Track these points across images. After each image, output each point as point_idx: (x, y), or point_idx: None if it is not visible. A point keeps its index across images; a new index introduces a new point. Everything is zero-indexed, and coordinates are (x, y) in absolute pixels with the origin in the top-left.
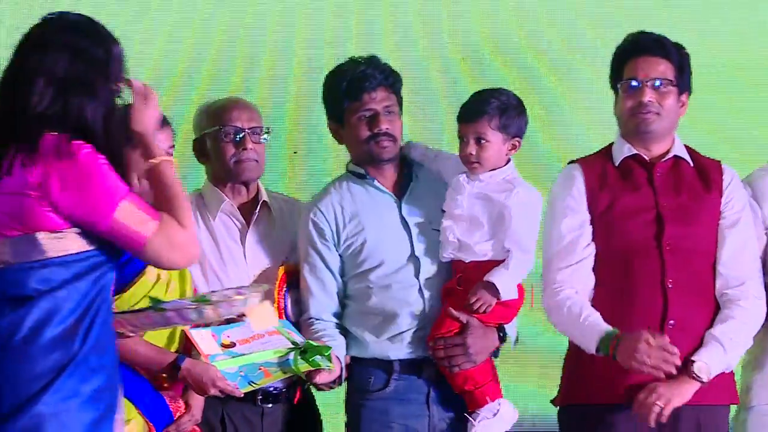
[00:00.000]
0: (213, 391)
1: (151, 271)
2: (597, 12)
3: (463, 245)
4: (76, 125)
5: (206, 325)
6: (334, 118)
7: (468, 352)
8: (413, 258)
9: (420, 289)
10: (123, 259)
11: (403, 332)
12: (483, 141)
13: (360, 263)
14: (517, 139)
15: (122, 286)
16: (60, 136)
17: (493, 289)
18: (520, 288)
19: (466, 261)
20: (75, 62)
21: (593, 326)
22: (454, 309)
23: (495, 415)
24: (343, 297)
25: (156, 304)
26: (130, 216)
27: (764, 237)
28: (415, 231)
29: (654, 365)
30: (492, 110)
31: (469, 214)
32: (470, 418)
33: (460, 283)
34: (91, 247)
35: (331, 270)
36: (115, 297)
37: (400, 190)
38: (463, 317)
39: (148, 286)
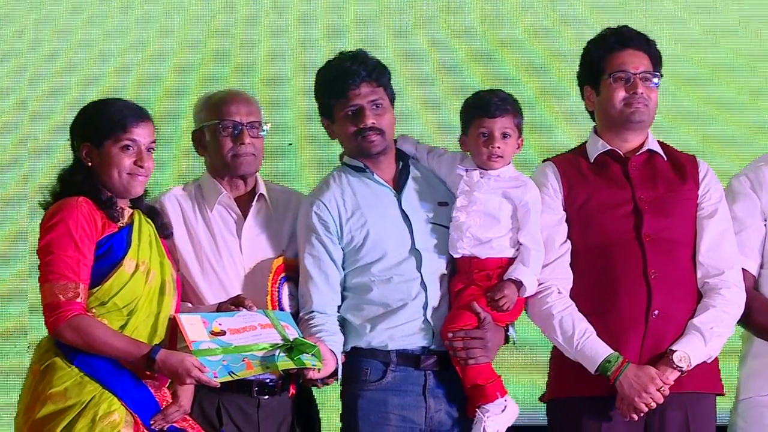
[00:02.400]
0: (189, 381)
1: (128, 263)
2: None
3: (480, 241)
4: None
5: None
6: (324, 115)
7: (486, 346)
8: (414, 251)
9: (422, 282)
10: (99, 252)
11: (403, 324)
12: (507, 136)
13: (362, 256)
14: (521, 138)
15: (99, 278)
16: None
17: (516, 287)
18: None
19: (482, 258)
20: None
21: (592, 349)
22: (467, 303)
23: (503, 411)
24: (342, 289)
25: None
26: None
27: (763, 228)
28: (415, 224)
29: (655, 404)
30: (512, 108)
31: (486, 211)
32: (479, 413)
33: (470, 280)
34: None
35: (335, 262)
36: (94, 289)
37: (397, 183)
38: (483, 313)
39: (126, 277)
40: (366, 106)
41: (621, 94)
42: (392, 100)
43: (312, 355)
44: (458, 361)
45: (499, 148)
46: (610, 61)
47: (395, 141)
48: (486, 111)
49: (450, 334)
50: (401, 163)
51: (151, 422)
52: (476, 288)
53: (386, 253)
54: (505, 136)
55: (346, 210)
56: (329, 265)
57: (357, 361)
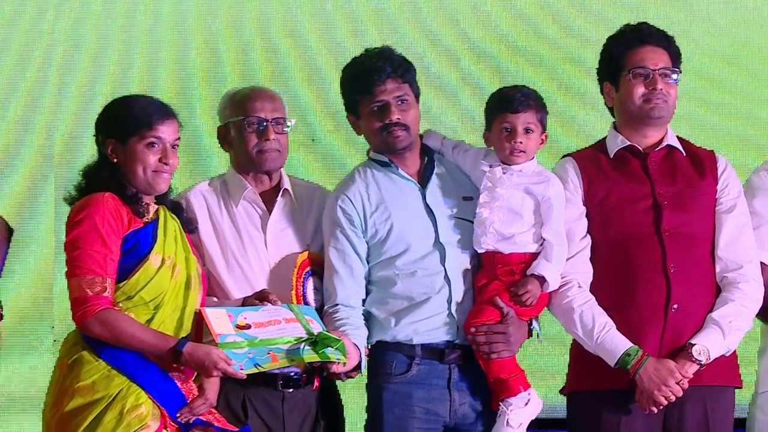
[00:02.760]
0: (215, 374)
1: (154, 258)
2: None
3: (503, 237)
4: None
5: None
6: (350, 111)
7: (509, 340)
8: (438, 245)
9: (446, 276)
10: (125, 247)
11: (427, 318)
12: (530, 131)
13: (386, 250)
14: (545, 133)
15: (126, 272)
16: None
17: (539, 282)
18: None
19: (505, 253)
20: None
21: (612, 343)
22: (490, 298)
23: (526, 404)
24: (367, 283)
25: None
26: None
27: None
28: (439, 218)
29: (674, 397)
30: (535, 103)
31: (509, 206)
32: (503, 406)
33: (492, 275)
34: None
35: (359, 256)
36: (121, 284)
37: (422, 178)
38: (506, 308)
39: (152, 271)
40: (391, 102)
41: (640, 90)
42: (417, 96)
43: (336, 349)
44: (481, 355)
45: (521, 143)
46: (630, 57)
47: (421, 136)
48: (509, 106)
49: (473, 329)
50: (426, 158)
51: (178, 415)
52: (499, 283)
53: (410, 247)
54: (527, 131)
55: (370, 204)
56: (354, 259)
57: (382, 354)
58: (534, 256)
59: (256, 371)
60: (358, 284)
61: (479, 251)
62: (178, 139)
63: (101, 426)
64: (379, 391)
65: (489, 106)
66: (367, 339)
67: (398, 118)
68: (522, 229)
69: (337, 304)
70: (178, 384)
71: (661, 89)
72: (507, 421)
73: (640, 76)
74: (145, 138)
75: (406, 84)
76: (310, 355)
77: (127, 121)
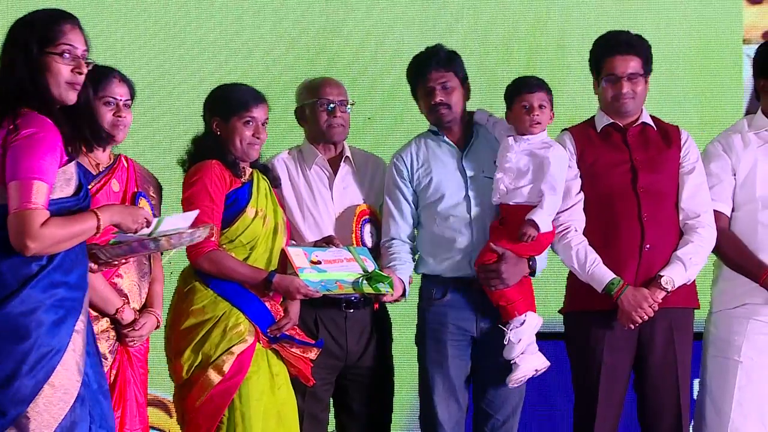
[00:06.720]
0: (298, 296)
1: (250, 210)
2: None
3: (510, 192)
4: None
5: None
6: (413, 94)
7: (502, 277)
8: (466, 197)
9: (470, 222)
10: (228, 202)
11: (456, 257)
12: (543, 107)
13: (428, 196)
14: (552, 112)
15: (228, 222)
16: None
17: (534, 225)
18: (554, 229)
19: (511, 204)
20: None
21: (600, 274)
22: (494, 243)
23: (522, 324)
24: (417, 225)
25: (119, 239)
26: (21, 190)
27: (733, 181)
28: (469, 176)
29: (647, 316)
30: (545, 86)
31: (517, 167)
32: (503, 328)
33: (503, 222)
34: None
35: (408, 200)
36: (225, 230)
37: (463, 145)
38: (500, 250)
39: (249, 221)
40: (436, 87)
41: (610, 92)
42: (463, 79)
43: (386, 284)
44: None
45: (537, 115)
46: (605, 64)
47: (473, 113)
48: (526, 87)
49: (477, 267)
50: (469, 130)
51: (268, 331)
52: (501, 229)
53: (444, 196)
54: (541, 107)
55: (418, 161)
56: (403, 203)
57: (427, 284)
58: (534, 205)
59: (328, 293)
60: (407, 223)
61: (493, 203)
62: (267, 118)
63: (209, 340)
64: (424, 312)
65: (510, 90)
66: (415, 270)
67: (441, 100)
68: (525, 184)
69: (391, 239)
70: (268, 307)
71: (627, 92)
72: (508, 339)
73: (611, 82)
74: (243, 117)
75: (450, 72)
76: (366, 288)
77: (230, 104)
